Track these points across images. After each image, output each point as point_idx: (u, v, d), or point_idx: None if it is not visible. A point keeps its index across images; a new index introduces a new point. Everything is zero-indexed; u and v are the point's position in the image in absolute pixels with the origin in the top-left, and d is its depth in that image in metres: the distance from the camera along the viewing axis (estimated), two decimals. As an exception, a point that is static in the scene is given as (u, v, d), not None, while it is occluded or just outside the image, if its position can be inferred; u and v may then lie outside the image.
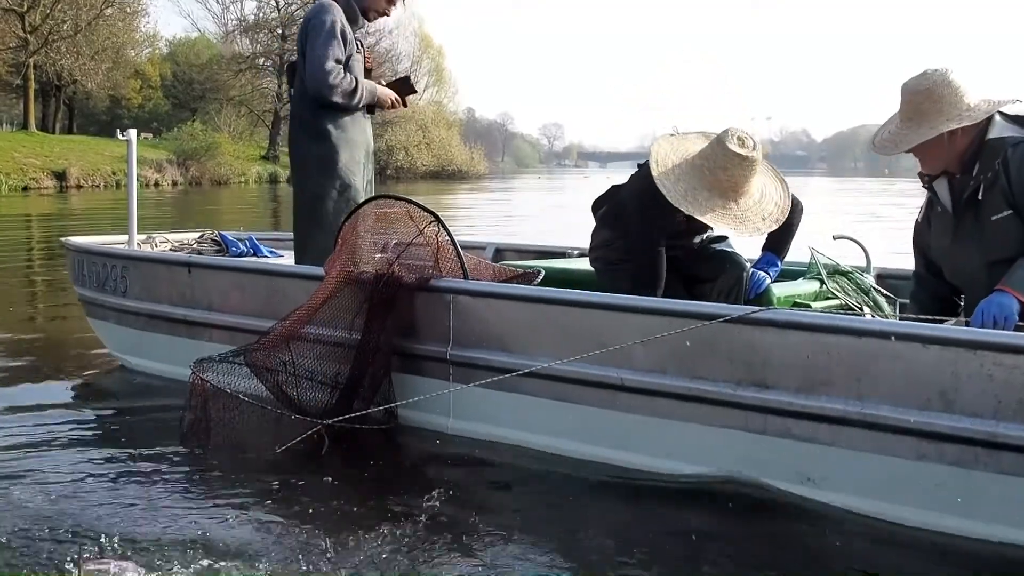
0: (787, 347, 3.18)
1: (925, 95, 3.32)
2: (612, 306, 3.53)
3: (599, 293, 3.68)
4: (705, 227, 4.14)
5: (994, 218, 3.22)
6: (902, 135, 3.37)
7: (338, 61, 4.57)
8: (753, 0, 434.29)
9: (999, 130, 3.28)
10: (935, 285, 3.57)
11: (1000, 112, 3.30)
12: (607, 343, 3.46)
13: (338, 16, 4.63)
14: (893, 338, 2.98)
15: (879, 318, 4.35)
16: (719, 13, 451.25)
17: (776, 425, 3.22)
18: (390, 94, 4.88)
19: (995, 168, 3.20)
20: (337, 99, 4.59)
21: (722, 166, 3.84)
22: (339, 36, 4.59)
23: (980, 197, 3.24)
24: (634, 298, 3.55)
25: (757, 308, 3.28)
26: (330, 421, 3.60)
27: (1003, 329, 3.00)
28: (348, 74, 4.61)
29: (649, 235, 3.98)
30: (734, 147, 3.82)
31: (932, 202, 3.48)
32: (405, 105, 5.05)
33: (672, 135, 4.14)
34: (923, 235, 3.58)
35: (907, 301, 4.38)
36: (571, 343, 3.57)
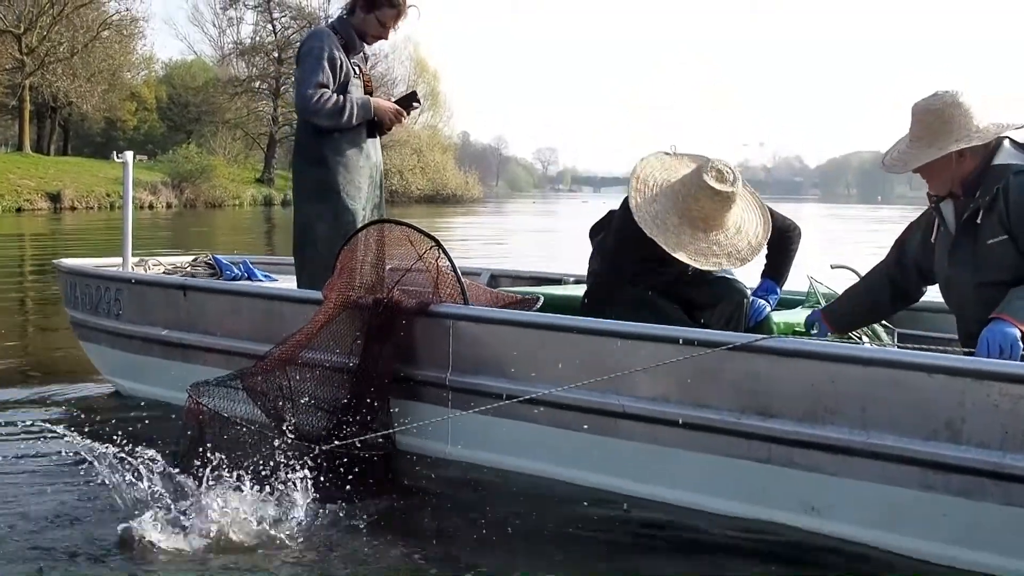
0: (791, 376, 3.15)
1: (935, 115, 3.32)
2: (614, 333, 3.49)
3: (600, 320, 3.64)
4: None
5: (990, 242, 3.22)
6: (911, 154, 3.38)
7: (323, 85, 4.54)
8: (744, 37, 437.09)
9: (1006, 156, 3.28)
10: (879, 285, 3.76)
11: (1010, 139, 3.29)
12: (609, 370, 3.43)
13: (327, 42, 4.61)
14: (899, 367, 2.96)
15: (878, 346, 4.33)
16: (709, 48, 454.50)
17: (780, 454, 3.18)
18: (389, 107, 4.78)
19: (995, 193, 3.21)
20: (323, 121, 4.56)
21: (695, 196, 3.80)
22: (325, 61, 4.56)
23: (979, 220, 3.25)
24: (637, 325, 3.51)
25: (760, 336, 3.25)
26: (328, 447, 3.55)
27: (1009, 358, 2.98)
28: (335, 95, 4.58)
29: (613, 270, 3.95)
30: (710, 180, 3.79)
31: (938, 224, 3.48)
32: (408, 114, 4.95)
33: (666, 154, 4.11)
34: (916, 248, 3.62)
35: (906, 331, 4.40)
36: (572, 370, 3.53)
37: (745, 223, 3.93)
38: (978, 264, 3.27)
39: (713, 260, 3.81)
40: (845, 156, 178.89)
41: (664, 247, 3.77)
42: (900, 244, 3.73)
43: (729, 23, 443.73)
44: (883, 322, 4.45)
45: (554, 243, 20.86)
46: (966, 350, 3.17)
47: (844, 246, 20.58)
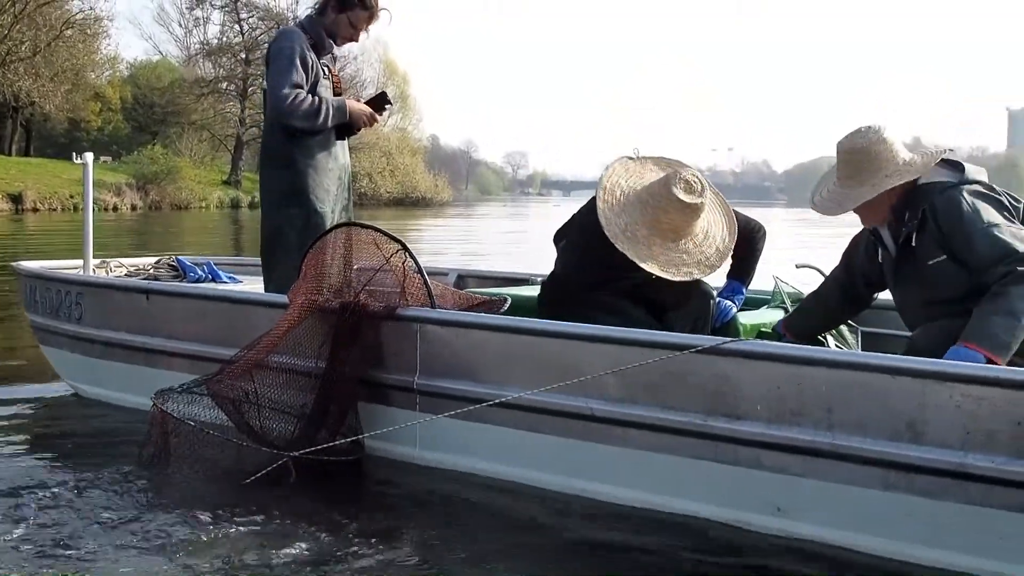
0: (758, 378, 3.16)
1: (863, 154, 3.39)
2: (583, 336, 3.49)
3: (568, 323, 3.64)
4: None
5: (930, 263, 3.27)
6: (845, 194, 3.45)
7: (297, 86, 4.49)
8: (726, 39, 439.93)
9: (930, 174, 3.35)
10: (832, 294, 3.88)
11: None
12: (578, 373, 3.42)
13: (297, 42, 4.56)
14: (864, 370, 2.98)
15: (842, 347, 4.36)
16: (691, 50, 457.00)
17: (747, 456, 3.20)
18: (364, 109, 4.73)
19: (921, 215, 3.27)
20: (299, 123, 4.51)
21: (664, 209, 3.78)
22: (298, 62, 4.51)
23: (914, 243, 3.31)
24: (605, 328, 3.52)
25: (728, 340, 3.27)
26: (297, 453, 3.52)
27: None
28: (310, 95, 4.54)
29: (592, 269, 3.93)
30: (679, 193, 3.77)
31: (879, 248, 3.56)
32: (380, 116, 4.89)
33: (631, 159, 4.09)
34: (862, 261, 3.70)
35: (869, 330, 4.44)
36: (541, 373, 3.52)
37: (712, 227, 3.92)
38: (923, 284, 3.32)
39: (684, 270, 3.79)
40: (812, 161, 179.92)
41: (635, 260, 3.75)
42: (847, 257, 3.82)
43: (711, 25, 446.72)
44: (848, 321, 4.48)
45: (522, 245, 20.86)
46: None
47: (811, 250, 20.71)
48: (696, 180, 3.82)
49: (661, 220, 3.80)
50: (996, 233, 3.14)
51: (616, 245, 3.76)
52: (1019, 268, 3.05)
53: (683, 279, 3.81)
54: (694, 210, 3.79)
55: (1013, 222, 3.25)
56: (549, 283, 4.21)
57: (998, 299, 3.05)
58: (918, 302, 3.37)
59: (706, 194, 3.84)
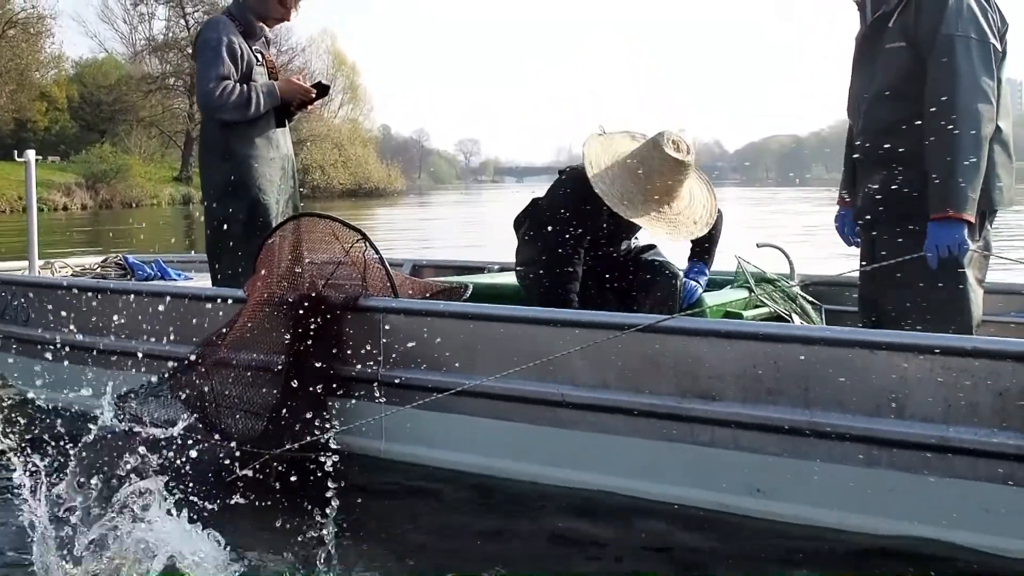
0: (733, 358, 3.09)
1: None
2: (551, 321, 3.40)
3: (537, 308, 3.55)
4: (630, 232, 4.06)
5: (888, 46, 3.22)
6: None
7: (224, 77, 4.36)
8: (666, 19, 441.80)
9: None
10: None
11: None
12: (544, 358, 3.32)
13: (223, 31, 4.42)
14: (842, 346, 2.91)
15: (808, 324, 4.33)
16: (633, 29, 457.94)
17: (723, 437, 3.12)
18: (295, 86, 4.58)
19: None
20: (229, 115, 4.38)
21: (658, 170, 3.76)
22: (224, 52, 4.37)
23: (891, 24, 3.22)
24: (573, 312, 3.44)
25: (699, 318, 3.20)
26: (273, 452, 3.40)
27: (959, 256, 3.06)
28: (238, 85, 4.39)
29: (565, 248, 3.84)
30: (670, 151, 3.75)
31: (861, 18, 3.43)
32: (315, 102, 4.73)
33: (600, 135, 4.05)
34: None
35: (832, 307, 4.41)
36: (508, 360, 3.42)
37: (694, 189, 3.94)
38: (875, 69, 3.27)
39: (686, 230, 3.84)
40: (763, 140, 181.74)
41: (645, 227, 3.79)
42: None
43: (652, 4, 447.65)
44: (810, 299, 4.46)
45: (478, 233, 20.75)
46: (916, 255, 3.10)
47: (769, 229, 20.84)
48: (681, 139, 3.82)
49: (656, 182, 3.78)
50: (960, 47, 3.06)
51: (623, 214, 3.74)
52: (961, 106, 3.01)
53: (686, 238, 3.86)
54: (685, 168, 3.80)
55: (985, 42, 3.10)
56: (519, 273, 4.14)
57: (944, 152, 3.03)
58: (865, 90, 3.31)
59: (692, 154, 3.84)
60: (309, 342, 3.62)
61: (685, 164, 3.77)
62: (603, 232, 3.92)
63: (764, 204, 30.81)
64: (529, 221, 4.10)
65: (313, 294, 3.71)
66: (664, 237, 3.81)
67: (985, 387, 2.74)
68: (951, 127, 3.02)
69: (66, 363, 4.66)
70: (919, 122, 3.11)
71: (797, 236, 16.18)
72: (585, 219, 3.81)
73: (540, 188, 4.29)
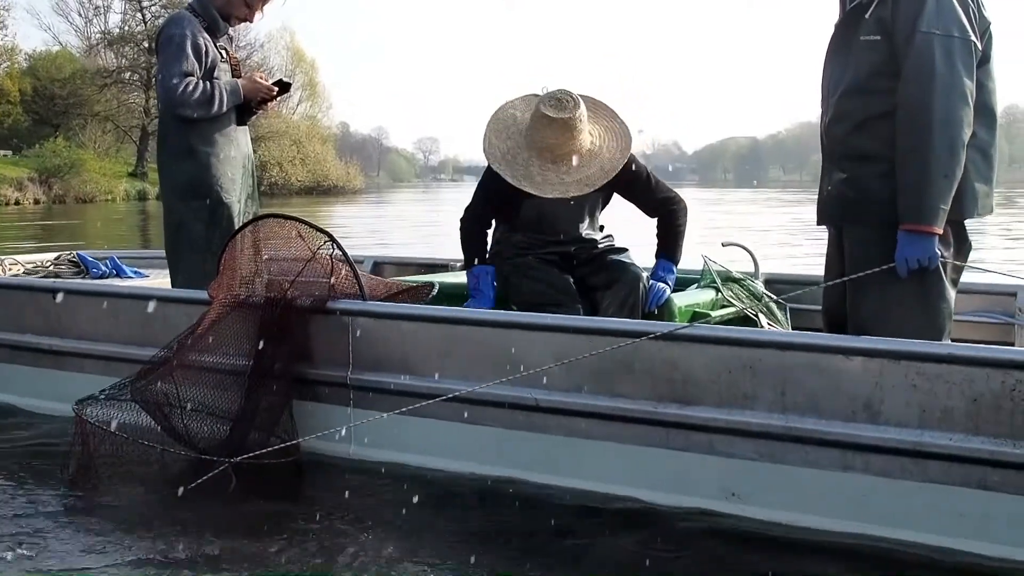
0: (708, 362, 3.07)
1: None
2: (526, 325, 3.36)
3: (505, 312, 3.51)
4: (554, 204, 4.05)
5: (862, 38, 3.10)
6: None
7: (188, 74, 4.28)
8: (623, 21, 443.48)
9: None
10: None
11: None
12: (519, 362, 3.29)
13: (188, 28, 4.34)
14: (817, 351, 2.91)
15: (773, 324, 4.33)
16: (593, 36, 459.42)
17: (699, 442, 3.10)
18: (258, 84, 4.52)
19: None
20: (192, 112, 4.30)
21: (537, 127, 3.87)
22: (189, 48, 4.30)
23: (867, 16, 3.09)
24: (549, 316, 3.40)
25: (682, 324, 3.20)
26: (236, 459, 3.32)
27: (929, 267, 3.00)
28: (202, 82, 4.32)
29: (473, 203, 4.08)
30: (546, 109, 3.84)
31: (839, 8, 3.29)
32: (276, 99, 4.67)
33: (535, 95, 4.08)
34: None
35: (797, 306, 4.41)
36: (481, 364, 3.38)
37: (602, 150, 3.96)
38: (848, 61, 3.14)
39: (560, 188, 3.86)
40: (721, 141, 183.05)
41: (511, 180, 3.86)
42: None
43: (612, 4, 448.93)
44: (775, 298, 4.46)
45: (437, 231, 20.67)
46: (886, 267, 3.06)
47: (731, 231, 21.00)
48: (568, 98, 3.88)
49: (536, 140, 3.88)
50: (939, 46, 2.94)
51: (493, 167, 3.88)
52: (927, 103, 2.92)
53: (559, 196, 3.87)
54: (562, 125, 3.84)
55: (967, 40, 2.99)
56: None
57: (916, 159, 2.95)
58: (835, 84, 3.18)
59: (578, 111, 3.87)
60: (276, 345, 3.56)
61: (559, 121, 3.82)
62: (515, 194, 3.93)
63: (722, 204, 31.05)
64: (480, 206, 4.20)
65: (279, 296, 3.64)
66: (534, 192, 3.86)
67: (959, 393, 2.75)
68: (924, 132, 2.94)
69: (24, 365, 4.54)
70: (892, 119, 3.02)
71: (759, 235, 16.31)
72: (495, 178, 3.95)
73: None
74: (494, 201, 4.06)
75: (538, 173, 3.84)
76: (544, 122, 3.83)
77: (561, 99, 3.85)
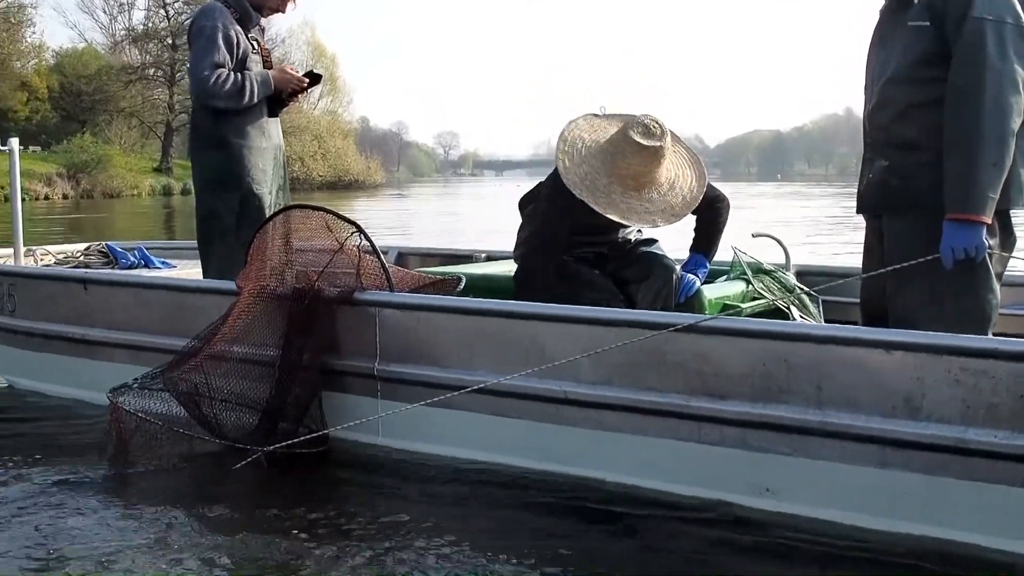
0: (742, 356, 3.01)
1: None
2: (553, 317, 3.32)
3: (534, 304, 3.47)
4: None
5: (910, 24, 3.02)
6: None
7: (219, 65, 4.27)
8: (641, 17, 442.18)
9: None
10: None
11: None
12: (546, 354, 3.25)
13: (219, 19, 4.33)
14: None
15: (806, 317, 4.27)
16: (612, 33, 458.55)
17: (732, 436, 3.05)
18: (289, 76, 4.51)
19: None
20: (223, 103, 4.29)
21: (623, 154, 3.74)
22: (220, 40, 4.29)
23: (916, 0, 3.02)
24: (576, 308, 3.35)
25: (708, 316, 3.14)
26: (269, 449, 3.31)
27: (975, 259, 2.91)
28: (232, 73, 4.30)
29: (546, 227, 3.88)
30: (636, 136, 3.72)
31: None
32: (307, 90, 4.68)
33: (595, 116, 4.02)
34: None
35: (830, 299, 4.33)
36: (509, 356, 3.34)
37: (679, 179, 3.86)
38: (895, 47, 3.07)
39: (647, 218, 3.74)
40: (744, 135, 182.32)
41: (594, 207, 3.70)
42: None
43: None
44: (807, 290, 4.38)
45: (458, 223, 20.67)
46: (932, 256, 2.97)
47: (760, 221, 20.91)
48: (655, 125, 3.78)
49: (620, 167, 3.74)
50: (991, 32, 2.86)
51: (575, 193, 3.70)
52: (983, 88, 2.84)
53: (645, 225, 3.79)
54: (652, 153, 3.73)
55: (1020, 26, 2.90)
56: (516, 252, 4.10)
57: (965, 148, 2.87)
58: (881, 73, 3.11)
59: (666, 139, 3.77)
60: (305, 335, 3.54)
61: (650, 149, 3.71)
62: (589, 221, 3.82)
63: (744, 198, 30.92)
64: (534, 203, 4.09)
65: (308, 287, 3.62)
66: (620, 220, 3.75)
67: (1005, 389, 2.67)
68: (974, 119, 2.87)
69: (55, 354, 4.56)
70: (938, 107, 2.94)
71: (790, 227, 16.18)
72: (567, 199, 3.76)
73: (520, 182, 4.24)
74: (567, 221, 3.85)
75: (621, 200, 3.72)
76: (634, 149, 3.71)
77: (650, 126, 3.74)
